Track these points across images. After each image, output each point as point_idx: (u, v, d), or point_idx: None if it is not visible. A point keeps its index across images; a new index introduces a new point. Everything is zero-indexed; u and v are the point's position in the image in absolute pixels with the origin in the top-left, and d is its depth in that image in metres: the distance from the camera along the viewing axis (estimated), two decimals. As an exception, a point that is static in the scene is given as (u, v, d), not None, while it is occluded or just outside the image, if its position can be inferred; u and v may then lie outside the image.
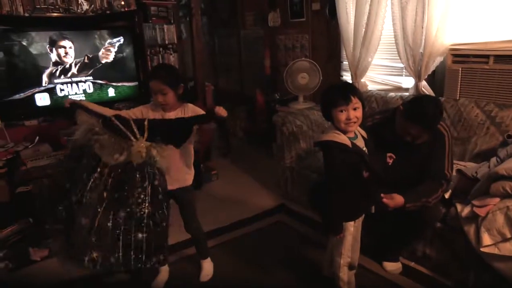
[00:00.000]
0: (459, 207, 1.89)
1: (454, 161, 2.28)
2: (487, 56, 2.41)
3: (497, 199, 1.75)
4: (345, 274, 1.82)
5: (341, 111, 1.58)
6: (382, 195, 1.80)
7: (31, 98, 3.04)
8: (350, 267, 1.83)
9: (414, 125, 1.82)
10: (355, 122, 1.60)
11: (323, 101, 1.68)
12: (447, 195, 1.98)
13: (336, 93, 1.61)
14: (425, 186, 1.89)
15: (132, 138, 1.68)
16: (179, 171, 1.93)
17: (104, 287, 2.13)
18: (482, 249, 1.70)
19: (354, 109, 1.59)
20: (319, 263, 2.12)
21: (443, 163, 1.91)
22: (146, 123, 1.72)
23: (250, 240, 2.54)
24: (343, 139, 1.60)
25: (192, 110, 1.94)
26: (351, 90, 1.61)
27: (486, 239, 1.69)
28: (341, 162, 1.60)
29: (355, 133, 1.67)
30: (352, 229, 1.74)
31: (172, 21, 3.67)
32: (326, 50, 3.75)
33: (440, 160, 1.92)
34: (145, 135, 1.69)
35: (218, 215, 2.81)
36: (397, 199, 1.82)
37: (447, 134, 1.95)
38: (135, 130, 1.69)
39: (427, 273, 2.08)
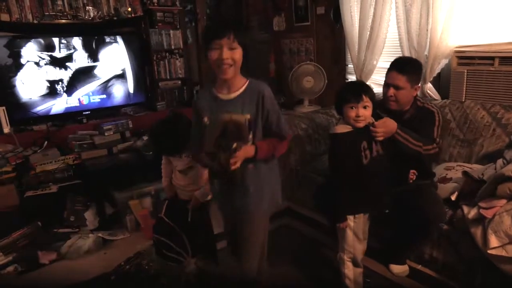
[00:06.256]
0: (465, 209, 1.88)
1: (460, 164, 2.29)
2: (492, 58, 2.41)
3: (504, 201, 1.74)
4: (350, 270, 1.84)
5: (351, 107, 1.67)
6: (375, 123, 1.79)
7: (40, 104, 3.09)
8: (354, 263, 1.85)
9: (391, 72, 2.03)
10: (363, 120, 1.68)
11: (336, 97, 1.75)
12: (453, 197, 1.98)
13: (349, 91, 1.70)
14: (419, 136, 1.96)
15: (181, 258, 1.87)
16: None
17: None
18: (489, 251, 1.69)
19: (364, 107, 1.67)
20: (325, 265, 2.13)
21: (432, 131, 2.01)
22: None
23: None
24: (345, 128, 1.71)
25: None
26: (364, 90, 1.69)
27: (493, 241, 1.68)
28: (342, 151, 1.72)
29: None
30: (352, 224, 1.77)
31: (178, 27, 3.71)
32: (331, 53, 3.76)
33: (429, 130, 2.00)
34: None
35: (224, 219, 2.82)
36: (390, 123, 1.83)
37: (436, 110, 2.06)
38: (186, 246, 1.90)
39: (434, 276, 2.07)
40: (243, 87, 1.51)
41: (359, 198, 1.75)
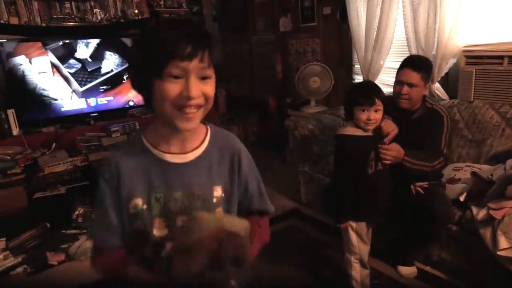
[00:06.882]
0: (474, 210, 1.86)
1: (469, 164, 2.26)
2: (501, 57, 2.38)
3: (514, 202, 1.72)
4: (357, 272, 1.83)
5: (363, 110, 1.65)
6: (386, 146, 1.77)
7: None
8: (362, 264, 1.84)
9: (404, 70, 2.01)
10: (374, 123, 1.67)
11: (347, 98, 1.73)
12: (462, 198, 1.96)
13: (361, 93, 1.68)
14: (424, 152, 1.94)
15: None
16: None
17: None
18: (498, 253, 1.67)
19: (376, 110, 1.66)
20: (332, 267, 2.12)
21: (440, 140, 2.00)
22: None
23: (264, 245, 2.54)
24: (354, 131, 1.69)
25: None
26: (375, 92, 1.67)
27: (503, 242, 1.66)
28: (348, 154, 1.71)
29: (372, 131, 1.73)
30: (355, 225, 1.77)
31: (184, 28, 3.72)
32: (338, 53, 3.75)
33: (437, 138, 2.00)
34: None
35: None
36: (397, 148, 1.80)
37: (446, 115, 2.05)
38: None
39: (442, 277, 2.05)
40: (206, 140, 0.94)
41: (359, 205, 1.74)
